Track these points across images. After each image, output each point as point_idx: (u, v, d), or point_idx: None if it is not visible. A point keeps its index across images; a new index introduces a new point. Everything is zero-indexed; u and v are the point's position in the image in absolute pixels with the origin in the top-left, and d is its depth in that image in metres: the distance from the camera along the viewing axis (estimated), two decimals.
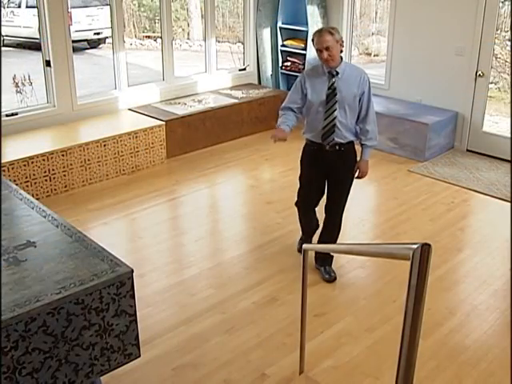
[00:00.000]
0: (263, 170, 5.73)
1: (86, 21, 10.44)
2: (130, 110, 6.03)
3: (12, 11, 10.41)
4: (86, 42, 10.96)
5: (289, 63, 7.11)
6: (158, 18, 9.89)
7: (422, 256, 1.58)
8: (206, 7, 6.60)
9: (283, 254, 4.08)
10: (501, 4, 5.67)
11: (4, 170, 4.56)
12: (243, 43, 7.22)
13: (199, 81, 6.73)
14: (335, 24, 6.82)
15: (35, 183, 4.83)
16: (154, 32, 11.65)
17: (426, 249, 1.60)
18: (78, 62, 6.19)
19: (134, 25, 11.74)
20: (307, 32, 6.70)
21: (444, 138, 5.99)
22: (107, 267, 2.19)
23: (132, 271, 2.19)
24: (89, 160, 5.14)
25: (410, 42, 6.23)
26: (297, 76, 7.07)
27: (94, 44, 11.18)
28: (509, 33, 6.00)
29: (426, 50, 6.11)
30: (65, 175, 5.01)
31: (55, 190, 4.98)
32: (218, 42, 8.08)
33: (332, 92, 3.43)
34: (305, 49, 6.84)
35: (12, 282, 2.10)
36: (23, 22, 10.18)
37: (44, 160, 4.84)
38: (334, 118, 3.44)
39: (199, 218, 4.70)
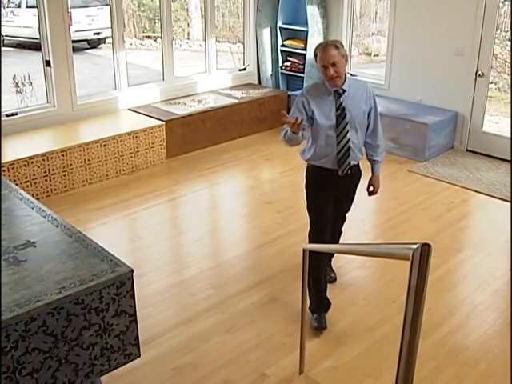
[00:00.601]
0: (263, 170, 5.73)
1: (86, 21, 10.43)
2: (129, 109, 6.03)
3: (12, 11, 10.41)
4: (85, 42, 10.95)
5: (289, 63, 7.11)
6: (157, 18, 9.89)
7: (422, 256, 1.58)
8: (205, 7, 6.60)
9: (283, 254, 4.08)
10: (501, 4, 5.67)
11: (4, 170, 4.56)
12: (243, 43, 7.22)
13: (199, 81, 6.73)
14: (335, 24, 6.83)
15: (35, 183, 4.83)
16: (154, 32, 11.64)
17: (425, 249, 1.59)
18: (78, 62, 6.19)
19: (133, 25, 11.74)
20: (307, 32, 6.70)
21: (444, 138, 5.99)
22: (107, 267, 2.19)
23: (132, 271, 2.19)
24: (89, 160, 5.14)
25: (410, 42, 6.23)
26: (297, 76, 7.18)
27: (93, 44, 11.17)
28: (509, 33, 6.00)
29: (426, 50, 6.11)
30: (65, 175, 5.01)
31: (55, 189, 4.98)
32: (218, 42, 8.08)
33: (342, 113, 3.11)
34: (305, 49, 6.84)
35: (12, 281, 2.10)
36: (23, 22, 10.17)
37: (44, 160, 4.84)
38: (348, 140, 3.14)
39: (199, 218, 4.70)
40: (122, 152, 5.37)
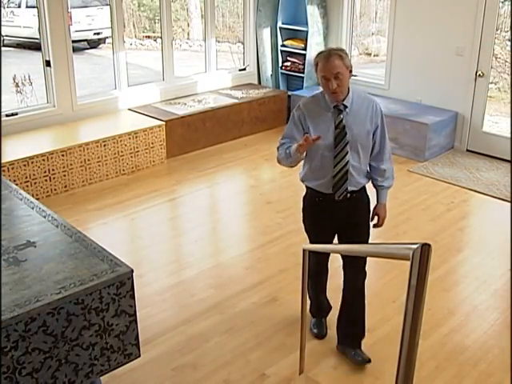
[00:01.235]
0: (263, 169, 5.73)
1: (86, 21, 10.43)
2: (129, 110, 6.03)
3: (12, 11, 10.40)
4: (85, 42, 10.96)
5: (289, 63, 7.11)
6: (157, 18, 9.88)
7: (422, 256, 1.58)
8: (205, 7, 6.60)
9: (283, 254, 4.08)
10: (501, 4, 5.67)
11: (4, 170, 4.56)
12: (243, 43, 7.22)
13: (199, 81, 6.73)
14: (335, 24, 6.83)
15: (35, 183, 4.83)
16: (154, 32, 11.64)
17: (425, 249, 1.59)
18: (78, 62, 6.19)
19: (133, 25, 11.74)
20: (307, 32, 6.70)
21: (444, 137, 5.99)
22: (107, 267, 2.19)
23: (132, 271, 2.19)
24: (89, 160, 5.14)
25: (409, 42, 6.23)
26: (297, 76, 7.19)
27: (93, 44, 11.17)
28: (509, 33, 6.00)
29: (426, 50, 6.11)
30: (65, 175, 5.01)
31: (55, 190, 4.98)
32: (218, 42, 8.08)
33: (341, 132, 2.73)
34: (305, 49, 6.84)
35: (12, 281, 2.10)
36: (23, 22, 10.17)
37: (44, 160, 4.84)
38: (347, 163, 2.76)
39: (199, 218, 4.70)
40: (121, 152, 5.36)
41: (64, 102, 5.55)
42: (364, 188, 2.91)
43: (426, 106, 6.19)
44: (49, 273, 2.16)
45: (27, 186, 4.75)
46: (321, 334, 3.19)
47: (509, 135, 5.63)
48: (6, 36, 10.39)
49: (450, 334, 3.24)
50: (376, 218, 2.99)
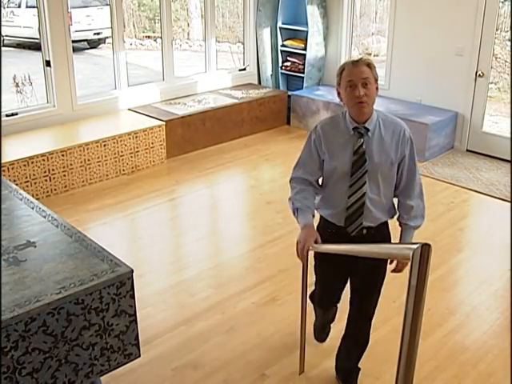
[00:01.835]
0: (263, 170, 5.73)
1: (86, 21, 10.43)
2: (129, 110, 6.02)
3: (12, 11, 10.41)
4: (85, 42, 10.96)
5: (289, 63, 7.11)
6: (157, 18, 9.89)
7: (422, 256, 1.58)
8: (205, 7, 6.60)
9: (283, 253, 4.08)
10: (501, 4, 5.67)
11: (4, 170, 4.56)
12: (243, 43, 7.22)
13: (199, 81, 6.72)
14: (335, 24, 6.83)
15: (35, 183, 4.83)
16: (154, 32, 11.64)
17: (426, 249, 1.60)
18: (78, 62, 6.19)
19: (133, 25, 11.74)
20: (307, 32, 6.70)
21: (444, 137, 5.99)
22: (107, 267, 2.19)
23: (132, 271, 2.19)
24: (89, 160, 5.14)
25: (409, 42, 6.23)
26: (297, 76, 7.19)
27: (93, 44, 11.18)
28: (509, 33, 6.00)
29: (426, 50, 6.11)
30: (65, 175, 5.01)
31: (55, 190, 4.98)
32: (218, 42, 8.08)
33: (360, 158, 2.39)
34: (305, 49, 6.84)
35: (12, 281, 2.10)
36: (23, 22, 10.17)
37: (44, 160, 4.84)
38: (363, 194, 2.42)
39: (199, 218, 4.70)
40: (121, 152, 5.36)
41: (64, 101, 5.55)
42: (385, 224, 2.56)
43: (426, 106, 6.18)
44: (49, 273, 2.16)
45: (27, 186, 4.75)
46: (321, 339, 3.14)
47: (509, 135, 5.63)
48: (6, 36, 10.39)
49: (449, 334, 3.24)
50: (395, 261, 2.55)
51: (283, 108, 6.86)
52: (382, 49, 8.30)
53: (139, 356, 2.33)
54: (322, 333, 3.13)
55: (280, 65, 7.15)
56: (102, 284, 2.10)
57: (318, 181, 2.59)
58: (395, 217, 2.60)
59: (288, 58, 7.11)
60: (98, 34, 10.79)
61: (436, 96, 6.14)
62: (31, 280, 2.11)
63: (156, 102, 6.28)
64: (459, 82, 5.96)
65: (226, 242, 4.38)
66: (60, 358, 2.06)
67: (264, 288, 3.68)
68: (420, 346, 1.51)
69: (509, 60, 6.01)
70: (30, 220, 2.59)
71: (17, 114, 5.33)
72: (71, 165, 5.02)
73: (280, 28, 6.97)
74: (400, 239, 2.57)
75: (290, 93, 6.91)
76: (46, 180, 4.89)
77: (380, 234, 2.55)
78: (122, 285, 2.16)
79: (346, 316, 2.80)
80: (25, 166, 4.73)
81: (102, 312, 2.13)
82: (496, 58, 6.10)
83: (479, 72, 5.81)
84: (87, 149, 5.10)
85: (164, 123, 5.67)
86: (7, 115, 5.24)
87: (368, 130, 2.40)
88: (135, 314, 2.25)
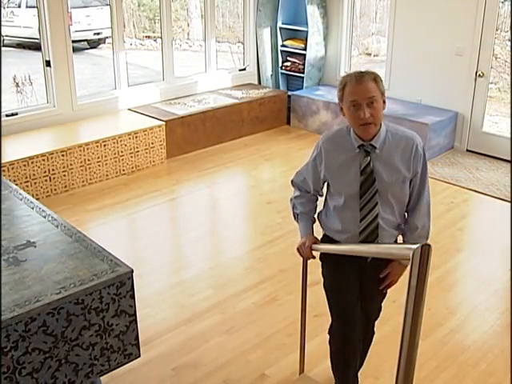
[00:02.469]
0: (263, 170, 5.73)
1: (86, 21, 10.43)
2: (129, 110, 6.03)
3: (12, 11, 10.40)
4: (85, 42, 10.96)
5: (289, 63, 7.11)
6: (157, 18, 9.88)
7: (422, 256, 1.58)
8: (205, 7, 6.60)
9: (283, 253, 4.08)
10: (501, 4, 5.67)
11: (4, 170, 4.56)
12: (243, 43, 7.22)
13: (199, 81, 6.72)
14: (335, 24, 6.83)
15: (35, 183, 4.83)
16: (154, 32, 11.64)
17: (426, 249, 1.60)
18: (78, 62, 6.19)
19: (133, 25, 11.73)
20: (307, 32, 6.70)
21: (444, 137, 5.99)
22: (107, 267, 2.19)
23: (132, 271, 2.19)
24: (89, 160, 5.14)
25: (410, 42, 6.23)
26: (297, 76, 7.18)
27: (93, 44, 11.17)
28: (509, 33, 6.00)
29: (426, 50, 6.11)
30: (65, 175, 5.01)
31: (55, 190, 4.98)
32: (218, 42, 8.08)
33: (368, 177, 2.21)
34: (305, 49, 6.84)
35: (12, 281, 2.10)
36: (23, 22, 10.17)
37: (44, 160, 4.84)
38: (376, 216, 2.27)
39: (199, 218, 4.70)
40: (121, 152, 5.37)
41: (64, 101, 5.55)
42: (396, 241, 2.44)
43: (426, 106, 6.18)
44: (49, 273, 2.16)
45: (27, 186, 4.75)
46: None
47: (509, 135, 5.63)
48: (6, 36, 10.38)
49: (449, 334, 3.24)
50: (388, 274, 2.42)
51: (283, 108, 6.86)
52: (382, 49, 8.31)
53: (139, 356, 2.33)
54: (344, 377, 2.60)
55: (280, 65, 7.15)
56: (102, 284, 2.10)
57: (317, 190, 2.46)
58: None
59: (288, 58, 7.11)
60: (98, 33, 10.79)
61: (436, 96, 6.14)
62: (31, 280, 2.11)
63: (156, 102, 6.28)
64: (459, 81, 5.96)
65: (225, 241, 4.38)
66: (60, 358, 2.05)
67: (264, 288, 3.68)
68: (420, 346, 1.51)
69: (509, 60, 6.01)
70: (29, 220, 2.59)
71: (17, 114, 5.33)
72: (71, 165, 5.02)
73: (280, 28, 6.97)
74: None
75: (290, 93, 6.91)
76: (45, 180, 4.89)
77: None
78: (122, 285, 2.16)
79: None
80: (25, 166, 4.73)
81: (102, 312, 2.13)
82: (496, 58, 6.10)
83: (479, 72, 5.81)
84: (87, 149, 5.10)
85: (164, 123, 5.67)
86: (7, 115, 5.24)
87: (375, 147, 2.21)
88: (135, 314, 2.25)
